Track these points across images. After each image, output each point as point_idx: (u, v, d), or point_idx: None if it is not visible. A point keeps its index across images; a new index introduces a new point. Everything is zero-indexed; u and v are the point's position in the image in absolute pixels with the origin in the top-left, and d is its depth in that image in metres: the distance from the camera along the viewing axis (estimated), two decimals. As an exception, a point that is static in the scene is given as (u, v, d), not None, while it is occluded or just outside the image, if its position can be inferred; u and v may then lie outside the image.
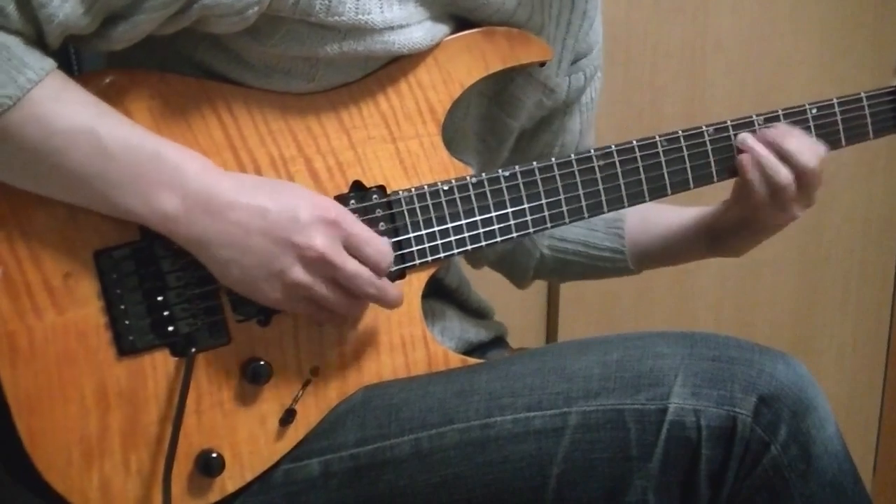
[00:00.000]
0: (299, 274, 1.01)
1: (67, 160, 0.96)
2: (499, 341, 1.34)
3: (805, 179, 1.19)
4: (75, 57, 1.21)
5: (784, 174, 1.18)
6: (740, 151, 1.20)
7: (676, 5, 2.11)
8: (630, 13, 2.07)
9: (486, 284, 1.37)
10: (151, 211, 0.98)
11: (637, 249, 1.36)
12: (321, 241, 1.01)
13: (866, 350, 2.50)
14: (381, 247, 1.04)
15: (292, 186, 1.05)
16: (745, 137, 1.20)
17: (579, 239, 1.37)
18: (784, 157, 1.18)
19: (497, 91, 1.22)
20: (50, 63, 0.96)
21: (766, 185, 1.19)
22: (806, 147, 1.19)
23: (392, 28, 1.06)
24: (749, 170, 1.18)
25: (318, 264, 1.01)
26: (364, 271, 1.03)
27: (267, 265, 1.00)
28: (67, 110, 0.96)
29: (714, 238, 1.29)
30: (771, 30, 2.21)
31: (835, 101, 1.24)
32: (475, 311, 1.31)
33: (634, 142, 1.17)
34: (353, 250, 1.03)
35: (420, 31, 1.09)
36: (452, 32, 1.13)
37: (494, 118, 1.24)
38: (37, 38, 0.96)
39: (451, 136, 1.18)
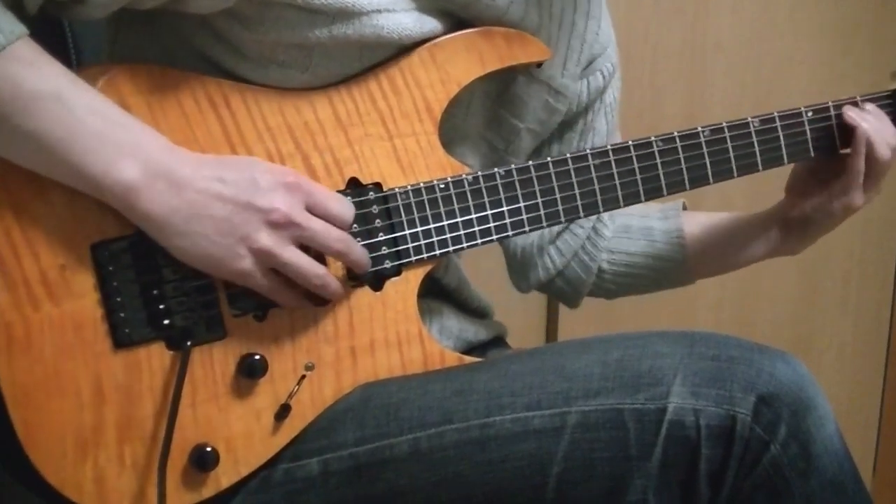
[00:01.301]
0: (265, 238, 1.01)
1: (33, 122, 0.95)
2: (498, 341, 1.34)
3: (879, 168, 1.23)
4: (74, 50, 1.21)
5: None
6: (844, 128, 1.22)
7: (676, 5, 2.11)
8: (630, 13, 2.07)
9: (487, 284, 1.37)
10: (113, 181, 0.97)
11: (700, 254, 1.36)
12: (284, 202, 1.01)
13: (866, 350, 2.50)
14: (342, 202, 1.05)
15: (249, 158, 1.05)
16: (850, 111, 1.22)
17: (642, 251, 1.37)
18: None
19: (500, 91, 1.22)
20: (21, 28, 0.95)
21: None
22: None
23: (379, 11, 1.06)
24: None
25: (284, 225, 1.01)
26: (328, 227, 1.04)
27: (232, 232, 1.00)
28: (36, 74, 0.95)
29: (788, 228, 1.31)
30: (771, 30, 2.21)
31: (830, 104, 1.24)
32: (474, 311, 1.31)
33: (630, 142, 1.17)
34: (314, 209, 1.03)
35: (409, 17, 1.09)
36: (446, 31, 1.13)
37: (500, 119, 1.24)
38: (13, 3, 0.96)
39: (452, 137, 1.18)
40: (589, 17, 1.24)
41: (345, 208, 1.05)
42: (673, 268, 1.37)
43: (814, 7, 2.24)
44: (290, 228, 1.02)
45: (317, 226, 1.03)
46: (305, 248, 1.04)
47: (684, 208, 1.39)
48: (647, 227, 1.37)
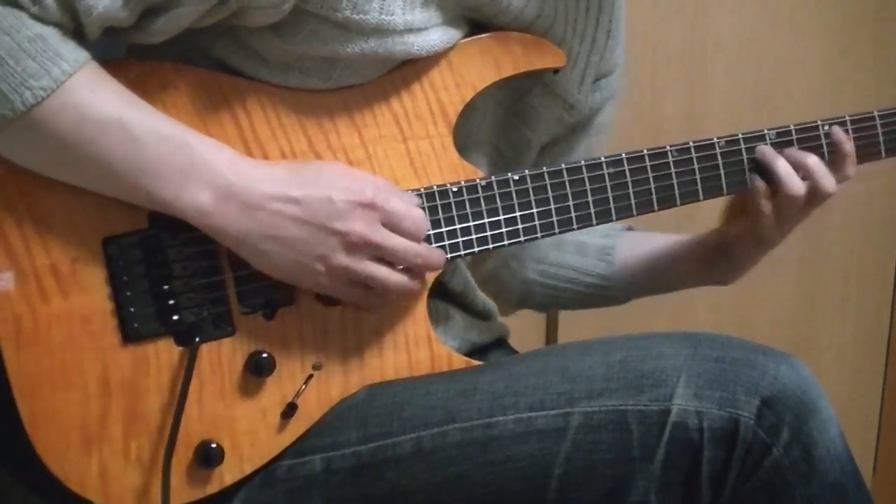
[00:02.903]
0: (343, 258, 1.02)
1: (99, 149, 0.97)
2: (500, 343, 1.34)
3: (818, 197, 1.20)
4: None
5: (799, 184, 1.18)
6: (758, 164, 1.19)
7: (676, 5, 2.11)
8: (630, 13, 2.05)
9: (487, 284, 1.37)
10: (184, 205, 0.99)
11: (628, 273, 1.35)
12: (361, 226, 1.02)
13: (866, 350, 2.50)
14: (418, 218, 1.06)
15: (325, 169, 1.05)
16: (765, 150, 1.19)
17: (570, 264, 1.37)
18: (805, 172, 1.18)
19: (514, 101, 1.22)
20: (84, 55, 0.96)
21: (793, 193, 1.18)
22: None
23: (412, 30, 1.06)
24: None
25: (361, 247, 1.02)
26: (406, 244, 1.04)
27: (309, 253, 1.01)
28: (100, 100, 0.97)
29: (715, 256, 1.29)
30: (771, 30, 2.21)
31: (847, 118, 1.23)
32: (479, 313, 1.31)
33: (645, 150, 1.16)
34: (391, 227, 1.04)
35: (438, 33, 1.09)
36: (466, 35, 1.13)
37: (511, 128, 1.24)
38: (75, 30, 0.97)
39: (466, 143, 1.18)
40: (610, 35, 1.25)
41: (420, 222, 1.06)
42: (598, 284, 1.36)
43: (814, 7, 2.23)
44: (368, 249, 1.03)
45: (395, 245, 1.04)
46: None
47: (629, 229, 1.38)
48: (581, 242, 1.36)
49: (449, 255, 1.11)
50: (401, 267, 1.06)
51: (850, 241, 2.40)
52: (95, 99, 0.96)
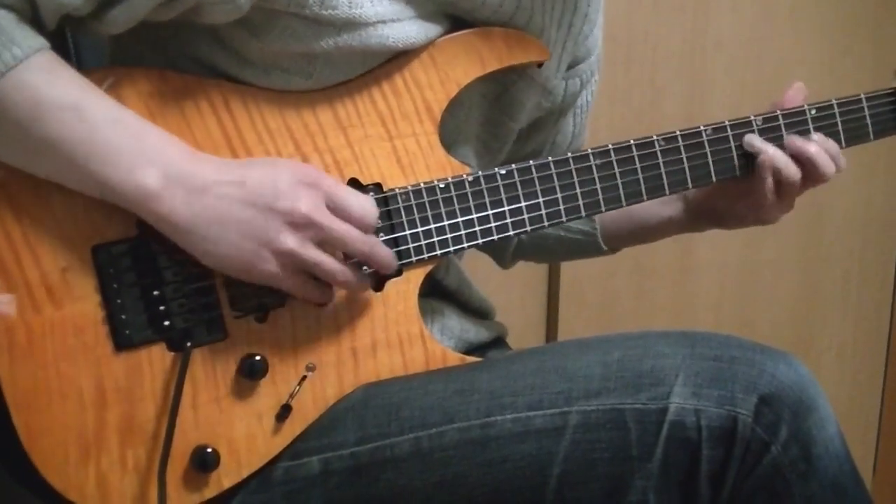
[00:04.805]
0: (289, 239, 1.01)
1: (51, 130, 0.96)
2: (498, 342, 1.34)
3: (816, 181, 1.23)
4: (75, 55, 1.21)
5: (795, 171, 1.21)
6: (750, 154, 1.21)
7: (676, 5, 2.11)
8: (630, 13, 2.07)
9: (487, 284, 1.37)
10: (132, 187, 0.98)
11: (613, 226, 1.37)
12: (305, 203, 1.01)
13: (866, 350, 2.50)
14: (365, 203, 1.05)
15: (270, 159, 1.05)
16: (752, 138, 1.21)
17: None
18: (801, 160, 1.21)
19: (498, 94, 1.22)
20: (41, 42, 0.96)
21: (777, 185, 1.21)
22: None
23: (384, 22, 1.06)
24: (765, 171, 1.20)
25: (306, 226, 1.01)
26: (352, 230, 1.03)
27: (255, 236, 1.00)
28: (56, 85, 0.96)
29: (703, 223, 1.32)
30: (771, 30, 2.21)
31: (834, 101, 1.24)
32: (476, 312, 1.31)
33: (632, 141, 1.17)
34: (337, 211, 1.03)
35: (413, 26, 1.09)
36: (447, 32, 1.13)
37: (496, 122, 1.24)
38: (32, 17, 0.97)
39: (455, 138, 1.18)
40: (586, 20, 1.25)
41: (367, 208, 1.05)
42: (583, 230, 1.38)
43: (814, 7, 2.24)
44: (312, 229, 1.01)
45: (339, 227, 1.03)
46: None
47: None
48: None
49: (439, 252, 1.11)
50: (353, 260, 1.05)
51: (850, 241, 2.41)
52: (51, 82, 0.96)
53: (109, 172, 0.97)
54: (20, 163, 0.98)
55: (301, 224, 1.01)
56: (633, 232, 1.37)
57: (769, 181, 1.21)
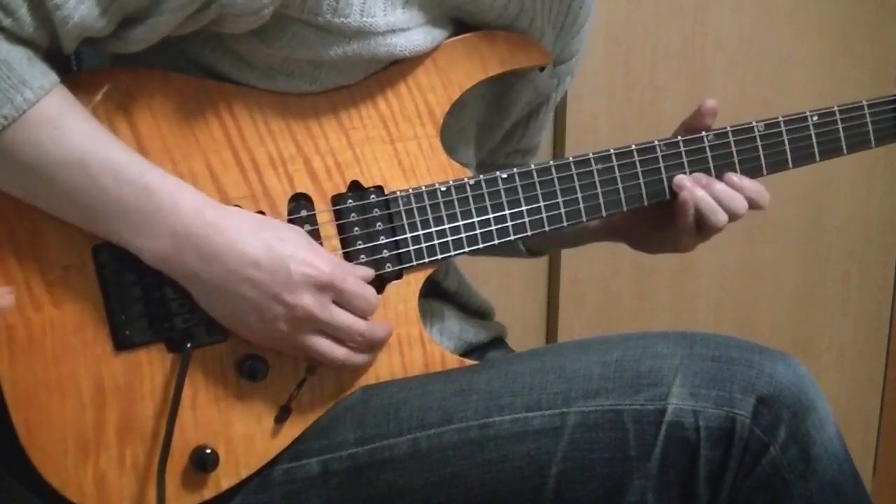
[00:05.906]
0: (286, 326, 1.02)
1: (57, 189, 0.96)
2: (498, 342, 1.34)
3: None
4: (75, 55, 1.21)
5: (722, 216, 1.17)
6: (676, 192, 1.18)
7: (676, 5, 2.11)
8: (630, 13, 2.07)
9: (486, 285, 1.37)
10: (140, 247, 0.99)
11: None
12: (310, 301, 1.02)
13: (866, 350, 2.50)
14: (370, 297, 1.06)
15: (291, 235, 1.04)
16: (683, 179, 1.18)
17: None
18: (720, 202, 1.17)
19: (497, 95, 1.22)
20: (51, 80, 0.95)
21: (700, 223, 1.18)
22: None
23: (394, 31, 1.06)
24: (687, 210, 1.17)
25: (305, 321, 1.02)
26: (352, 321, 1.05)
27: (255, 313, 1.01)
28: (61, 137, 0.95)
29: (614, 232, 1.30)
30: (771, 30, 2.21)
31: (836, 108, 1.24)
32: (475, 312, 1.31)
33: (633, 146, 1.17)
34: (342, 304, 1.04)
35: (421, 34, 1.09)
36: (451, 35, 1.13)
37: (491, 123, 1.24)
38: (51, 42, 0.96)
39: (458, 140, 1.18)
40: (576, 20, 1.25)
41: (371, 301, 1.06)
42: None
43: (814, 7, 2.23)
44: (314, 324, 1.03)
45: (341, 322, 1.04)
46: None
47: None
48: None
49: (440, 255, 1.11)
50: (351, 344, 1.06)
51: (850, 241, 2.40)
52: (57, 136, 0.95)
53: (116, 231, 0.99)
54: (30, 201, 0.99)
55: (301, 318, 1.02)
56: (550, 237, 1.36)
57: (690, 220, 1.18)
